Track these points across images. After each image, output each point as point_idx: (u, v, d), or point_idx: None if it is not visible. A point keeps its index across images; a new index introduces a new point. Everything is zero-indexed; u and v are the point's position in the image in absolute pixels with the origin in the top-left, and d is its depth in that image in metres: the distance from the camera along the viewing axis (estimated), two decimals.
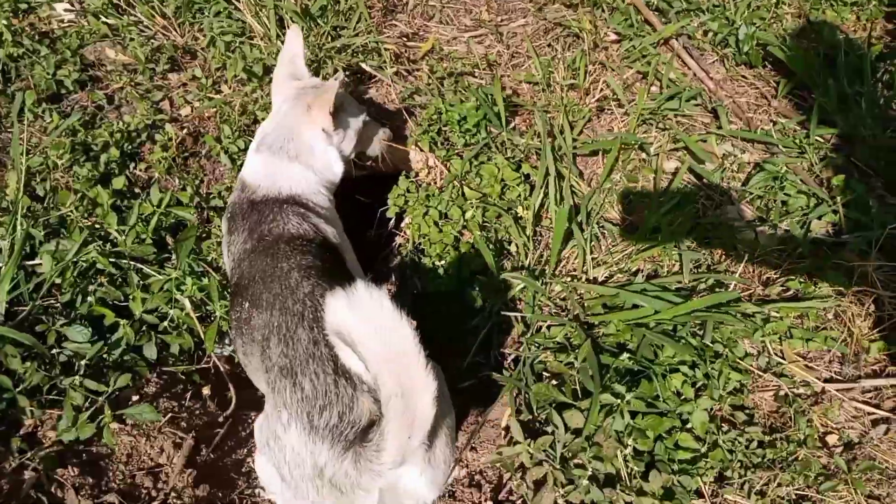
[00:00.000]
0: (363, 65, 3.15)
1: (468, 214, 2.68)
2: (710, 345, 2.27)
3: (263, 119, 2.92)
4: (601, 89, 3.24)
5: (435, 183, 2.88)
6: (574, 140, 2.96)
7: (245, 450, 2.61)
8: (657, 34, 3.43)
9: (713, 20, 3.52)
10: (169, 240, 2.74)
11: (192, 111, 3.08)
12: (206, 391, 2.75)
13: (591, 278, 2.50)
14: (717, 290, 2.45)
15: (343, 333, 1.46)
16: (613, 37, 3.55)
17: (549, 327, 2.41)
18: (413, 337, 1.38)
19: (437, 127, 2.95)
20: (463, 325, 2.67)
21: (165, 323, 2.59)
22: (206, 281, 2.61)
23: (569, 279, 2.52)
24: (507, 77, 3.36)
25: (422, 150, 2.99)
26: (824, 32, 3.49)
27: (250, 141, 2.89)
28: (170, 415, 2.55)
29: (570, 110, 3.08)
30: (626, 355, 2.19)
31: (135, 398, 2.58)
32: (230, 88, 3.10)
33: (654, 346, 2.24)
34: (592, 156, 2.99)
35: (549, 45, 3.52)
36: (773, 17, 3.63)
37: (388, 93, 3.16)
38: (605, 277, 2.52)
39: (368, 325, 1.39)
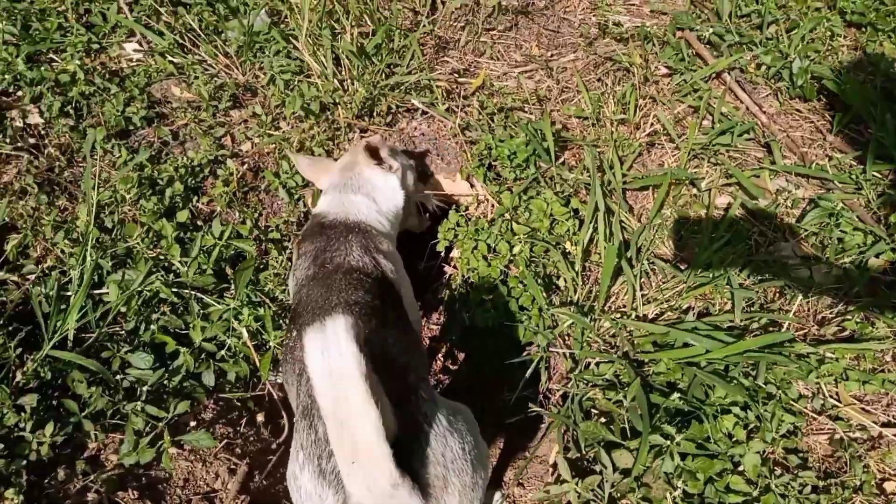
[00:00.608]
0: (415, 101, 3.22)
1: (516, 249, 2.71)
2: (763, 386, 2.24)
3: (320, 154, 3.03)
4: (651, 124, 3.25)
5: (485, 217, 2.93)
6: (624, 175, 2.97)
7: None
8: (709, 68, 3.43)
9: (766, 53, 3.50)
10: (228, 270, 2.84)
11: (252, 147, 3.20)
12: (260, 418, 2.83)
13: (641, 315, 2.50)
14: (770, 329, 2.42)
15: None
16: (664, 71, 3.56)
17: (597, 364, 2.42)
18: (354, 359, 1.32)
19: (487, 162, 3.00)
20: (511, 360, 2.69)
21: (223, 351, 2.68)
22: (262, 311, 2.69)
23: (618, 316, 2.52)
24: (557, 112, 3.40)
25: (473, 184, 3.04)
26: (881, 65, 3.43)
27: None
28: (225, 441, 2.63)
29: (619, 145, 3.10)
30: (676, 395, 2.18)
31: (192, 424, 2.68)
32: (289, 125, 3.21)
33: (706, 385, 2.22)
34: (642, 191, 3.00)
35: (598, 80, 3.55)
36: (828, 49, 3.60)
37: (440, 128, 3.22)
38: (656, 315, 2.52)
39: (317, 351, 1.33)
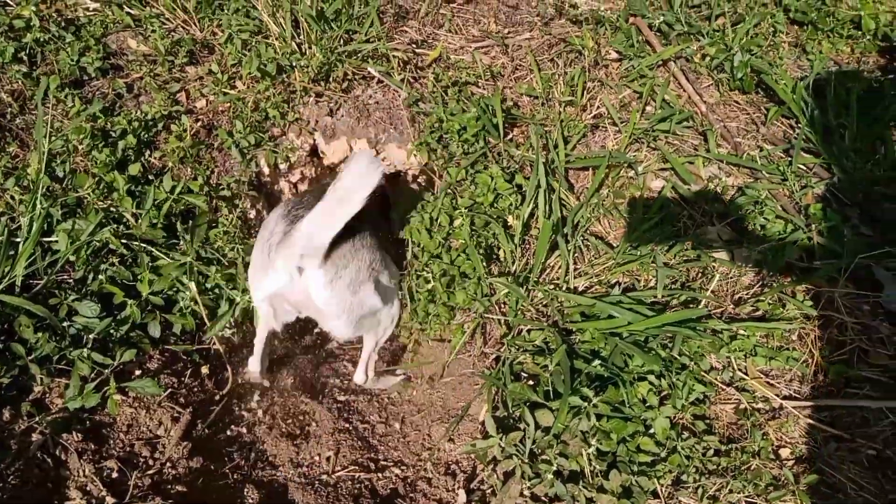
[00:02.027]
0: (371, 69, 3.30)
1: (456, 223, 2.84)
2: (678, 357, 2.43)
3: (275, 117, 3.10)
4: (597, 107, 3.40)
5: (432, 189, 3.04)
6: (567, 155, 3.12)
7: (239, 427, 2.77)
8: (656, 55, 3.57)
9: (711, 45, 3.66)
10: (179, 226, 2.90)
11: (206, 104, 3.24)
12: (204, 370, 2.92)
13: (572, 288, 2.66)
14: (689, 306, 2.60)
15: None
16: (614, 55, 3.70)
17: (529, 331, 2.57)
18: (375, 178, 2.16)
19: (437, 135, 3.11)
20: (450, 325, 2.83)
21: (178, 304, 2.77)
22: (211, 269, 2.77)
23: (551, 287, 2.68)
24: (509, 89, 3.51)
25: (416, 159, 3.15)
26: (816, 63, 3.63)
27: (261, 137, 3.07)
28: (169, 390, 2.72)
29: (566, 125, 3.23)
30: (597, 362, 2.35)
31: (137, 373, 2.76)
32: (244, 85, 3.26)
33: (625, 354, 2.40)
34: (583, 170, 3.15)
35: (551, 60, 3.67)
36: (770, 45, 3.78)
37: (394, 98, 3.31)
38: (585, 287, 2.69)
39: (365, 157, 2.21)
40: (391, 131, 3.21)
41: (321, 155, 3.25)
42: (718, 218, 3.01)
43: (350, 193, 2.15)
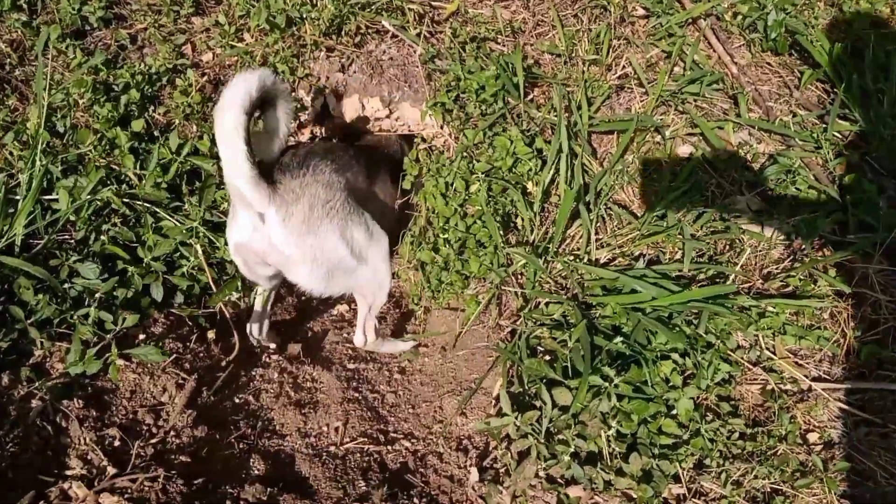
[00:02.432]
0: (385, 22, 3.13)
1: (473, 188, 2.70)
2: (704, 335, 2.31)
3: (283, 71, 2.95)
4: (623, 66, 3.22)
5: (448, 152, 2.90)
6: (591, 117, 2.96)
7: (245, 395, 2.69)
8: (686, 13, 3.37)
9: (743, 2, 3.45)
10: (185, 187, 2.79)
11: (213, 58, 3.09)
12: (210, 335, 2.84)
13: (594, 260, 2.54)
14: (717, 280, 2.48)
15: None
16: (641, 12, 3.50)
17: (547, 304, 2.46)
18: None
19: (454, 94, 2.95)
20: (463, 294, 2.73)
21: (182, 269, 2.67)
22: (219, 233, 2.67)
23: (571, 259, 2.56)
24: (530, 46, 3.33)
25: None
26: (855, 24, 3.42)
27: None
28: (174, 356, 2.64)
29: (589, 86, 3.07)
30: (619, 339, 2.24)
31: (141, 337, 2.68)
32: (252, 38, 3.10)
33: (648, 331, 2.28)
34: (608, 134, 3.00)
35: (575, 16, 3.48)
36: (806, 4, 3.57)
37: (409, 54, 3.15)
38: (608, 259, 2.56)
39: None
40: (405, 89, 3.05)
41: (333, 113, 3.10)
42: (748, 187, 2.86)
43: (220, 112, 2.01)
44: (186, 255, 2.72)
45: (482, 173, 2.71)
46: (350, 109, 3.06)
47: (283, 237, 2.25)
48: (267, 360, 2.93)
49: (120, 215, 2.70)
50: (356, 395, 2.79)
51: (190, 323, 2.82)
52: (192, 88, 2.91)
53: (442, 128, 2.94)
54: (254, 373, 2.82)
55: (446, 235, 2.69)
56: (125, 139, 2.70)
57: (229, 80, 2.04)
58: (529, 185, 2.67)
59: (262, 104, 2.23)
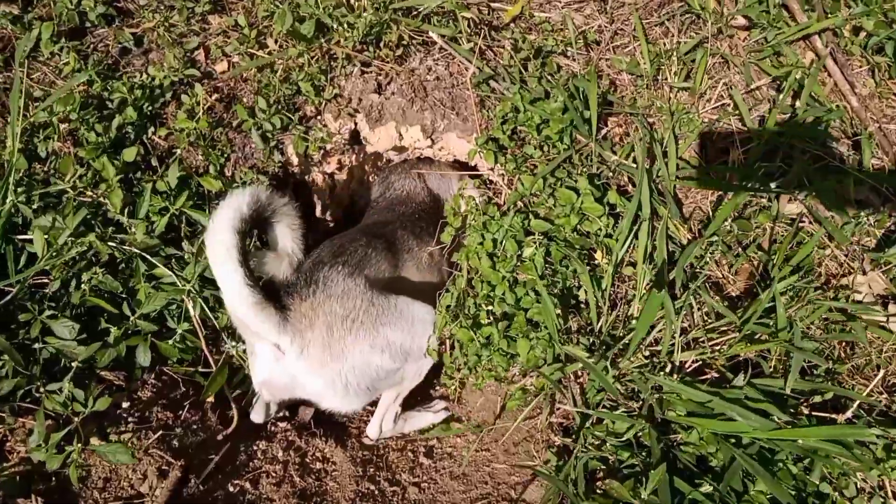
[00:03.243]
0: (432, 33, 2.60)
1: (527, 252, 2.19)
2: (816, 483, 1.78)
3: (307, 91, 2.47)
4: (720, 96, 2.64)
5: (498, 199, 2.39)
6: (679, 160, 2.40)
7: (242, 481, 2.27)
8: (798, 27, 2.76)
9: (868, 15, 2.81)
10: (184, 228, 2.35)
11: (228, 67, 2.62)
12: (209, 400, 2.42)
13: (677, 364, 2.00)
14: (834, 405, 1.93)
15: None
16: (742, 21, 2.89)
17: (614, 420, 1.95)
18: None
19: (511, 126, 2.43)
20: (504, 377, 2.25)
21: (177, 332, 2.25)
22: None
23: (644, 366, 2.02)
24: (606, 62, 2.77)
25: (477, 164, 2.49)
26: None
27: (289, 119, 2.45)
28: (161, 431, 2.23)
29: (678, 120, 2.50)
30: (707, 487, 1.72)
31: (125, 405, 2.28)
32: (276, 45, 2.61)
33: (745, 474, 1.76)
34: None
35: (661, 24, 2.89)
36: None
37: (460, 73, 2.62)
38: (695, 365, 2.02)
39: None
40: (452, 117, 2.54)
41: (364, 141, 2.61)
42: (871, 264, 2.29)
43: (210, 236, 1.88)
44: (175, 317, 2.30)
45: (539, 234, 2.20)
46: (385, 138, 2.56)
47: (305, 370, 2.03)
48: (273, 428, 2.50)
49: (104, 261, 2.27)
50: (372, 486, 2.34)
51: (185, 382, 2.40)
52: (199, 108, 2.45)
53: (492, 169, 2.42)
54: (255, 447, 2.40)
55: (491, 307, 2.20)
56: (113, 172, 2.25)
57: (221, 201, 1.90)
58: (598, 255, 2.14)
59: (261, 222, 2.10)
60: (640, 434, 1.88)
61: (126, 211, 2.25)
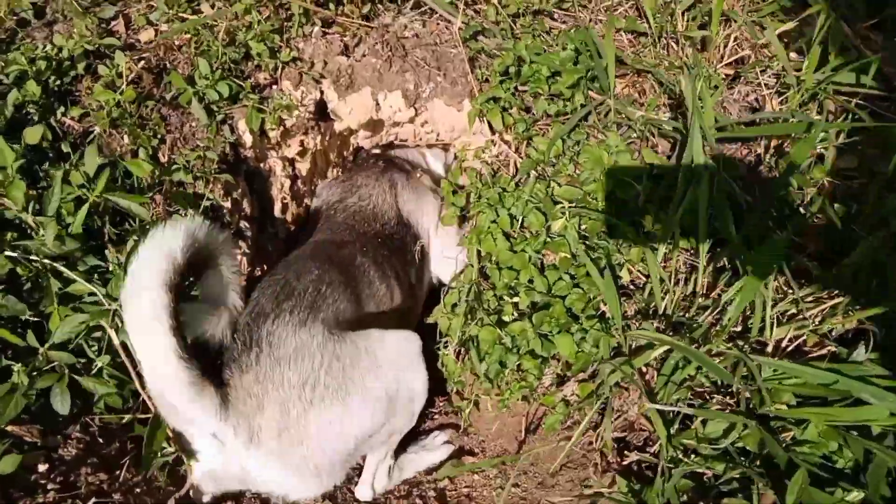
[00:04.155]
0: None
1: (556, 225, 1.76)
2: None
3: (259, 53, 1.99)
4: (735, 48, 2.31)
5: (506, 171, 1.96)
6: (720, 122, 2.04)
7: None
8: None
9: None
10: (108, 228, 1.81)
11: (155, 36, 2.11)
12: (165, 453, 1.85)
13: (770, 342, 1.58)
14: None
15: None
16: None
17: (704, 421, 1.51)
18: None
19: (511, 85, 2.01)
20: (537, 387, 1.79)
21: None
22: None
23: (734, 343, 1.59)
24: (598, 24, 2.40)
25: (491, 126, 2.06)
26: None
27: (238, 86, 1.96)
28: (92, 501, 1.66)
29: (699, 74, 2.14)
30: (856, 494, 1.29)
31: (41, 468, 1.70)
32: (212, 6, 2.13)
33: (890, 473, 1.35)
34: (729, 143, 2.07)
35: None
36: None
37: (441, 31, 2.20)
38: (794, 342, 1.60)
39: None
40: (439, 79, 2.10)
41: (332, 115, 2.14)
42: None
43: (130, 296, 1.42)
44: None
45: (568, 202, 1.77)
46: (359, 108, 2.10)
47: (258, 463, 1.57)
48: None
49: (4, 276, 1.71)
50: None
51: (119, 439, 1.83)
52: (121, 80, 1.93)
53: (501, 136, 1.99)
54: None
55: (516, 298, 1.74)
56: (12, 158, 1.71)
57: (140, 242, 1.42)
58: (647, 221, 1.72)
59: (195, 267, 1.54)
60: (744, 441, 1.45)
61: (31, 208, 1.70)
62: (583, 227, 1.78)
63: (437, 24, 2.21)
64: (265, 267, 2.23)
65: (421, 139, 2.36)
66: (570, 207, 1.76)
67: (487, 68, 2.07)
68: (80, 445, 1.79)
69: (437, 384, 2.03)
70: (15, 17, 2.13)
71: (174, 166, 1.87)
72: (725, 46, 2.33)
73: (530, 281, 1.76)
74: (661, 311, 1.63)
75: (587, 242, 1.77)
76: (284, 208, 2.27)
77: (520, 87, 2.04)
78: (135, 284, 1.39)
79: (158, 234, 1.41)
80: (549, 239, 1.75)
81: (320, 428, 1.59)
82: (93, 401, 1.76)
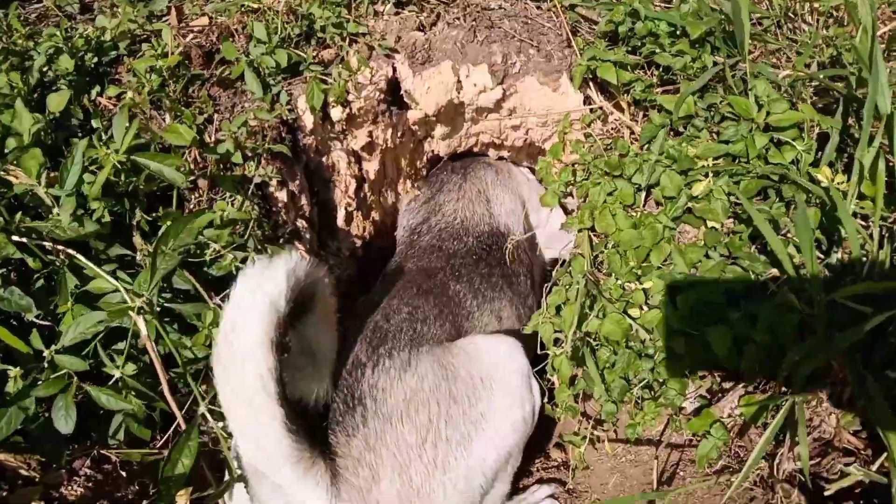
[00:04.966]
0: None
1: (699, 187, 1.36)
2: None
3: (323, 21, 1.72)
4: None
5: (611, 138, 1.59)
6: None
7: None
8: None
9: None
10: (139, 215, 1.49)
11: (209, 24, 1.88)
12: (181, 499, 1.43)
13: None
14: None
15: None
16: None
17: None
18: None
19: (622, 50, 1.67)
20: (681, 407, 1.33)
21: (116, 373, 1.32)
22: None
23: None
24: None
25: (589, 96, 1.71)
26: None
27: (298, 56, 1.68)
28: None
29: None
30: None
31: None
32: None
33: None
34: None
35: None
36: None
37: (531, 8, 1.90)
38: None
39: None
40: (531, 52, 1.77)
41: (406, 98, 1.82)
42: None
43: (228, 359, 1.13)
44: (135, 351, 1.40)
45: (710, 160, 1.38)
46: (437, 87, 1.77)
47: None
48: None
49: (14, 263, 1.41)
50: None
51: (136, 478, 1.44)
52: (169, 52, 1.67)
53: (616, 102, 1.63)
54: None
55: (647, 284, 1.32)
56: (30, 122, 1.43)
57: (231, 290, 1.14)
58: (823, 174, 1.30)
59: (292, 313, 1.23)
60: None
61: (46, 183, 1.40)
62: (731, 195, 1.37)
63: (527, 3, 1.91)
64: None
65: (505, 141, 2.01)
66: (711, 165, 1.37)
67: (591, 34, 1.75)
68: (89, 484, 1.43)
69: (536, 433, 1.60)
70: (62, 12, 1.93)
71: (221, 142, 1.56)
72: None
73: (668, 261, 1.34)
74: (863, 277, 1.17)
75: (738, 211, 1.36)
76: (349, 218, 1.93)
77: (638, 46, 1.70)
78: (235, 349, 1.13)
79: (255, 278, 1.14)
80: (690, 205, 1.35)
81: (447, 492, 1.35)
82: (109, 428, 1.39)
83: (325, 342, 1.40)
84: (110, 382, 1.34)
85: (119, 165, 1.40)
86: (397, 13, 1.85)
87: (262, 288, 1.13)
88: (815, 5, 1.94)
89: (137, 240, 1.47)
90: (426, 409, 1.38)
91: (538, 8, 1.90)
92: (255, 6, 1.82)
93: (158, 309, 1.39)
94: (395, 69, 1.76)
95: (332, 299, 1.35)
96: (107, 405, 1.33)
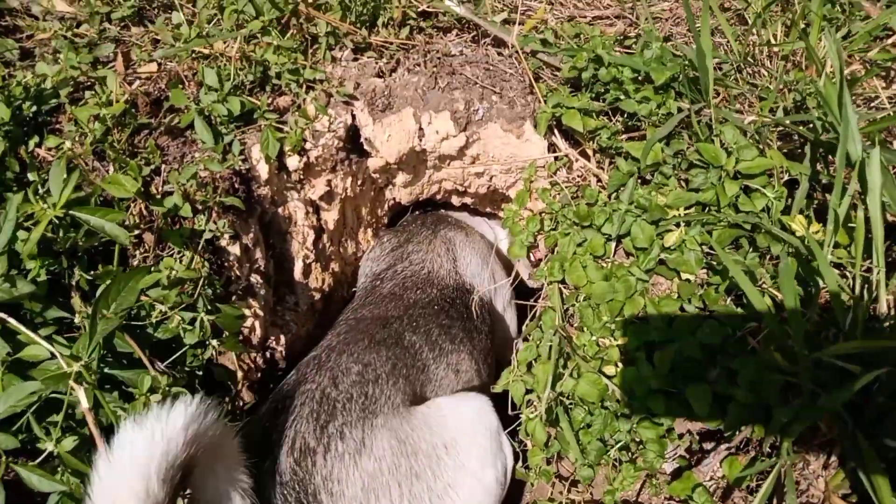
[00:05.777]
0: (450, 3, 1.86)
1: (671, 238, 1.32)
2: None
3: (278, 67, 1.65)
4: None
5: (577, 186, 1.55)
6: None
7: None
8: None
9: None
10: (77, 273, 1.39)
11: (158, 70, 1.80)
12: None
13: None
14: None
15: None
16: None
17: None
18: None
19: (587, 97, 1.64)
20: (660, 467, 1.27)
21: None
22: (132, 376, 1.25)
23: None
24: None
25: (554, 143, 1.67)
26: None
27: (250, 104, 1.61)
28: None
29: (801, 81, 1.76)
30: None
31: None
32: (229, 26, 1.82)
33: None
34: None
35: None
36: None
37: (493, 55, 1.86)
38: None
39: None
40: (494, 99, 1.73)
41: (366, 146, 1.76)
42: None
43: None
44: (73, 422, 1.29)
45: (681, 210, 1.33)
46: (398, 134, 1.71)
47: None
48: None
49: None
50: None
51: None
52: (113, 100, 1.58)
53: (582, 149, 1.59)
54: None
55: (621, 340, 1.26)
56: None
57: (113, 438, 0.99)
58: (796, 224, 1.26)
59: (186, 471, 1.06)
60: None
61: None
62: (704, 244, 1.33)
63: (488, 49, 1.88)
64: (283, 351, 1.77)
65: (469, 188, 1.95)
66: (682, 215, 1.32)
67: (553, 80, 1.71)
68: None
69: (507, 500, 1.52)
70: None
71: (167, 191, 1.47)
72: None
73: (638, 319, 1.28)
74: (845, 331, 1.12)
75: (712, 262, 1.31)
76: (307, 270, 1.84)
77: (602, 95, 1.67)
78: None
79: (130, 428, 0.99)
80: (665, 255, 1.30)
81: None
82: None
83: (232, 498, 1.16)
84: (41, 458, 1.22)
85: (56, 221, 1.31)
86: (356, 59, 1.80)
87: (150, 438, 0.99)
88: (775, 49, 1.96)
89: (76, 301, 1.36)
90: (387, 494, 1.29)
91: (499, 54, 1.87)
92: (207, 52, 1.75)
93: (98, 376, 1.28)
94: (354, 116, 1.70)
95: (239, 457, 1.17)
96: (38, 487, 1.20)
